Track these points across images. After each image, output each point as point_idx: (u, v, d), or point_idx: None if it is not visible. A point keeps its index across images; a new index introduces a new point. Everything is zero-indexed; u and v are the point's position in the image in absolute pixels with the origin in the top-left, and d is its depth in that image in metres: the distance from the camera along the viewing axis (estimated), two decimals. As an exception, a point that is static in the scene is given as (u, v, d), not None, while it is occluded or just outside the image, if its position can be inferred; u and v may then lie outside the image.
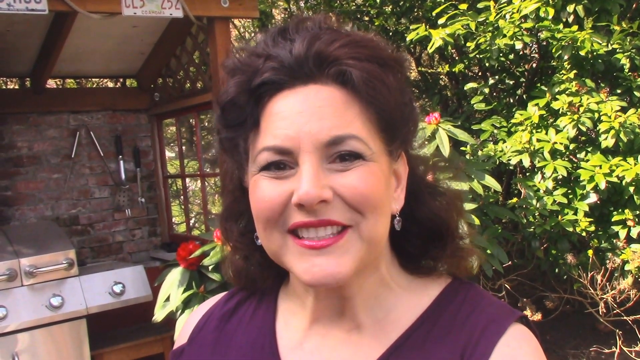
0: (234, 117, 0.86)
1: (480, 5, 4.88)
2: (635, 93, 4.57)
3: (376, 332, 0.89)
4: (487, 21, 4.64)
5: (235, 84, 0.85)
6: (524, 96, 5.32)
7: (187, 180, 6.30)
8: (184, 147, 6.37)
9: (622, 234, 4.26)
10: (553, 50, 4.55)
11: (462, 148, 4.60)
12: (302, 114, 0.81)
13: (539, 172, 4.43)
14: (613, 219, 4.32)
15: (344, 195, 0.81)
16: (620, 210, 4.32)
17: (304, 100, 0.81)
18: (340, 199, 0.81)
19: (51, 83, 6.16)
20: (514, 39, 4.53)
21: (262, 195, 0.83)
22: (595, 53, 4.43)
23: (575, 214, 4.26)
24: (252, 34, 8.24)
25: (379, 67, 0.83)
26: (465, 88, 5.45)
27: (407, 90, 0.88)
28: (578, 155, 4.52)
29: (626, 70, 4.56)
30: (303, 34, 0.84)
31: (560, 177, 4.33)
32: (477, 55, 4.91)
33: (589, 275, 4.43)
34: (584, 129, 4.30)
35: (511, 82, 5.48)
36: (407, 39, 5.06)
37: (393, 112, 0.85)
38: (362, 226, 0.82)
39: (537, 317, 4.47)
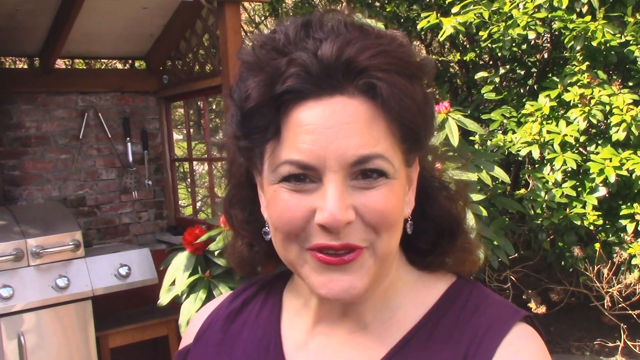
0: (255, 124, 0.82)
1: (493, -6, 4.82)
2: (648, 86, 4.52)
3: (380, 333, 0.88)
4: (500, 10, 4.59)
5: (255, 87, 0.80)
6: (535, 87, 5.27)
7: (195, 163, 6.30)
8: (191, 130, 6.36)
9: (630, 228, 4.24)
10: (565, 41, 4.50)
11: (471, 138, 4.57)
12: (329, 130, 0.77)
13: (548, 164, 4.40)
14: (621, 213, 4.29)
15: (364, 215, 0.79)
16: (629, 204, 4.30)
17: (331, 114, 0.78)
18: (360, 218, 0.79)
19: (60, 63, 6.15)
20: (527, 29, 4.49)
21: (284, 208, 0.81)
22: (608, 45, 4.39)
23: (584, 207, 4.24)
24: (263, 18, 8.19)
25: (408, 80, 0.80)
26: (475, 77, 5.41)
27: (430, 99, 0.86)
28: (588, 148, 4.49)
29: (639, 63, 4.51)
30: (330, 35, 0.79)
31: (569, 169, 4.30)
32: (489, 45, 4.87)
33: (596, 269, 4.42)
34: (594, 121, 4.26)
35: (522, 72, 5.44)
36: (418, 26, 5.02)
37: (417, 126, 0.83)
38: (376, 245, 0.81)
39: (542, 309, 4.47)
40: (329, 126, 0.77)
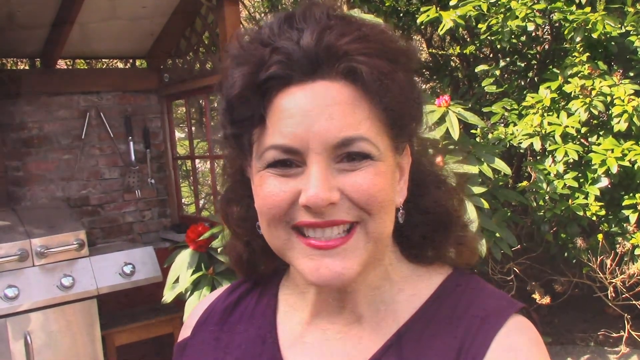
0: (240, 112, 0.84)
1: (492, -14, 4.81)
2: (649, 76, 4.51)
3: (376, 325, 0.89)
4: (499, 2, 4.58)
5: (240, 76, 0.82)
6: (536, 79, 5.27)
7: (197, 161, 6.31)
8: (193, 128, 6.37)
9: (633, 218, 4.23)
10: (565, 32, 4.49)
11: (472, 131, 4.57)
12: (311, 113, 0.79)
13: (550, 155, 4.40)
14: (624, 203, 4.29)
15: (351, 196, 0.80)
16: (631, 194, 4.29)
17: (313, 98, 0.79)
18: (347, 199, 0.80)
19: (61, 63, 6.17)
20: (526, 20, 4.48)
21: (269, 192, 0.82)
22: (608, 35, 4.38)
23: (586, 198, 4.24)
24: (262, 15, 8.19)
25: (389, 63, 0.81)
26: (476, 70, 5.41)
27: (415, 85, 0.87)
28: (590, 139, 4.48)
29: (640, 53, 4.50)
30: (311, 24, 0.81)
31: (571, 160, 4.29)
32: (489, 37, 4.86)
33: (599, 260, 4.42)
34: (596, 112, 4.26)
35: (523, 65, 5.43)
36: (418, 20, 5.02)
37: (402, 109, 0.84)
38: (369, 225, 0.81)
39: (546, 300, 4.47)
40: (310, 109, 0.79)
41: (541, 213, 4.39)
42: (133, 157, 5.10)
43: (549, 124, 4.30)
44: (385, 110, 0.82)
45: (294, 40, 0.80)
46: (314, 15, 0.82)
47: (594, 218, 4.32)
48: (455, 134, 3.41)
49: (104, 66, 7.23)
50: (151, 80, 5.22)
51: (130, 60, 5.82)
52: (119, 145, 5.09)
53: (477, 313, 0.85)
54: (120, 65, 6.86)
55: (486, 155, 3.62)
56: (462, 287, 0.90)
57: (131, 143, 5.09)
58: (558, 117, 4.35)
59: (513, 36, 4.74)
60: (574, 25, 4.39)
